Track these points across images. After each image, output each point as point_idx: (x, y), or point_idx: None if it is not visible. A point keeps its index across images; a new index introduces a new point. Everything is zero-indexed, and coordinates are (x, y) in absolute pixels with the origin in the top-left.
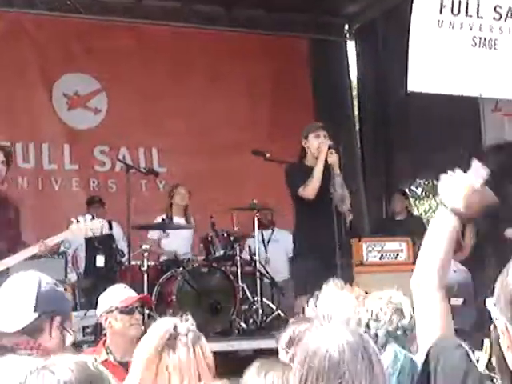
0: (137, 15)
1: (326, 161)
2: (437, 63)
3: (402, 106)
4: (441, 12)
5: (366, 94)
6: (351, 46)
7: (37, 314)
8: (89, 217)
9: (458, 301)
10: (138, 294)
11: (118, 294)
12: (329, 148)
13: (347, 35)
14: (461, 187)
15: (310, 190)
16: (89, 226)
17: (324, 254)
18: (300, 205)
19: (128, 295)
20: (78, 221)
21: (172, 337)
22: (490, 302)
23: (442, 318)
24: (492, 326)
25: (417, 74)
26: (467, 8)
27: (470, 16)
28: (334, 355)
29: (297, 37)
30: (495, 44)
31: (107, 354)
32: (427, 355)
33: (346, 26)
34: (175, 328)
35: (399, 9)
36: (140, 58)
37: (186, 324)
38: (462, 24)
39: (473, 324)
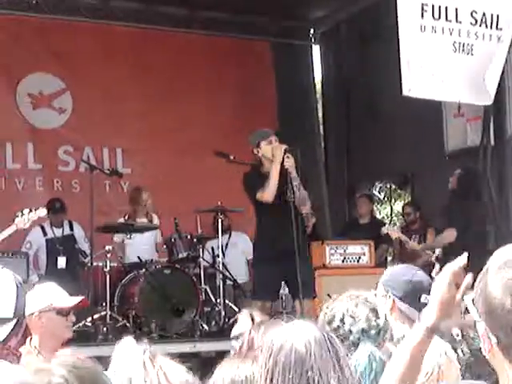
0: (101, 16)
1: (282, 165)
2: (424, 68)
3: (365, 109)
4: (422, 16)
5: (330, 97)
6: (316, 50)
7: (15, 320)
8: (27, 210)
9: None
10: (102, 295)
11: (53, 293)
12: (285, 152)
13: (312, 39)
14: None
15: (267, 193)
16: (31, 217)
17: (284, 258)
18: (260, 210)
19: (65, 296)
20: (22, 214)
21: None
22: (468, 299)
23: None
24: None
25: (408, 79)
26: (446, 12)
27: (450, 21)
28: (301, 349)
29: (261, 40)
30: (472, 49)
31: (36, 355)
32: None
33: (312, 30)
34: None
35: (363, 14)
36: (104, 58)
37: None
38: (442, 29)
39: None
